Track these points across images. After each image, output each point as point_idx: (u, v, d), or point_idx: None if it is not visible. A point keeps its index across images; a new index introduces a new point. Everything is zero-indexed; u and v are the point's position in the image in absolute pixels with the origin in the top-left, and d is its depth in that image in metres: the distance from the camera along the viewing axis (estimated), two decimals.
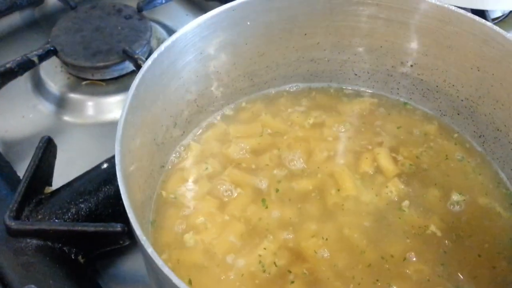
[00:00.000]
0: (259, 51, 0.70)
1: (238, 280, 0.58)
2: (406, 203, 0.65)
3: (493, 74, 0.63)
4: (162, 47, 0.56)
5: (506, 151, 0.66)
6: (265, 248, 0.60)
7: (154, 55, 0.55)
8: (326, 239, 0.61)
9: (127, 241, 0.63)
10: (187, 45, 0.60)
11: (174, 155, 0.68)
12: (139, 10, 0.97)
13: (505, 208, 0.64)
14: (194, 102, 0.68)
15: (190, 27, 0.59)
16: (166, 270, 0.39)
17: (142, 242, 0.40)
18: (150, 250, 0.40)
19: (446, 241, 0.61)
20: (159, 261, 0.39)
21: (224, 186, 0.66)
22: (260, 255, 0.60)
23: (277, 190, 0.66)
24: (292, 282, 0.58)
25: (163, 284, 0.42)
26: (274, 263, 0.59)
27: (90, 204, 0.69)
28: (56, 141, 0.83)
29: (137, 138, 0.54)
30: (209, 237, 0.61)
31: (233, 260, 0.60)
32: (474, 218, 0.64)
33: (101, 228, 0.64)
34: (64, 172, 0.74)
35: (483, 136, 0.69)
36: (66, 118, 0.90)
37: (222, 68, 0.68)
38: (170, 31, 1.01)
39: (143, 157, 0.57)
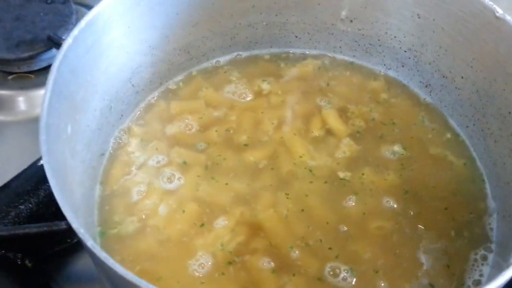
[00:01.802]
0: (192, 21, 0.66)
1: (197, 263, 0.55)
2: (360, 162, 0.63)
3: (433, 20, 0.62)
4: (83, 22, 0.51)
5: (454, 98, 0.65)
6: (222, 226, 0.58)
7: (75, 32, 0.50)
8: (284, 208, 0.59)
9: (75, 238, 0.59)
10: (110, 18, 0.55)
11: (113, 140, 0.64)
12: None
13: (456, 156, 0.64)
14: (128, 81, 0.63)
15: None
16: (110, 262, 0.35)
17: (81, 235, 0.36)
18: (90, 243, 0.36)
19: (403, 195, 0.61)
20: (101, 254, 0.36)
21: (171, 167, 0.62)
22: (217, 234, 0.57)
23: (228, 165, 0.63)
24: (254, 256, 0.55)
25: (112, 279, 0.38)
26: (233, 240, 0.57)
27: (30, 205, 0.65)
28: None
29: (66, 126, 0.49)
30: (162, 223, 0.58)
31: (189, 243, 0.57)
32: (428, 169, 0.63)
33: (45, 228, 0.59)
34: (1, 173, 0.69)
35: (430, 85, 0.68)
36: None
37: (154, 42, 0.64)
38: None
39: (77, 146, 0.52)
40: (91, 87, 0.55)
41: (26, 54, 0.83)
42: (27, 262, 0.62)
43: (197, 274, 0.54)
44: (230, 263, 0.55)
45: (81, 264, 0.65)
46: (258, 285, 0.54)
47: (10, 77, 0.85)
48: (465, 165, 0.64)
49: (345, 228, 0.58)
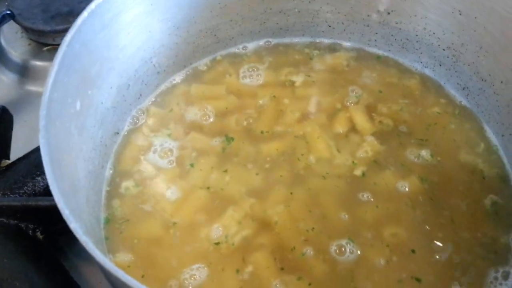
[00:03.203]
0: (220, 3, 0.64)
1: (200, 253, 0.53)
2: (383, 163, 0.60)
3: (475, 18, 0.57)
4: None
5: (491, 103, 0.61)
6: (229, 218, 0.56)
7: (92, 6, 0.49)
8: (295, 206, 0.56)
9: None
10: None
11: (130, 120, 0.63)
12: None
13: (489, 165, 0.59)
14: (149, 61, 0.62)
15: None
16: (89, 247, 0.34)
17: (65, 216, 0.35)
18: (72, 225, 0.35)
19: (425, 202, 0.57)
20: (83, 238, 0.34)
21: (186, 153, 0.61)
22: (223, 225, 0.55)
23: (243, 155, 0.61)
24: (257, 252, 0.53)
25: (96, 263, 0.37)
26: (239, 233, 0.55)
27: None
28: (19, 111, 0.78)
29: (75, 101, 0.48)
30: (169, 208, 0.57)
31: (195, 232, 0.55)
32: (455, 176, 0.59)
33: None
34: (28, 144, 0.70)
35: (467, 88, 0.63)
36: (29, 87, 0.85)
37: (178, 22, 0.62)
38: None
39: (87, 123, 0.51)
40: (107, 64, 0.54)
41: (61, 27, 0.83)
42: (38, 234, 0.63)
43: (198, 265, 0.52)
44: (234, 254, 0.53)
45: None
46: (260, 283, 0.52)
47: (45, 49, 0.86)
48: (497, 176, 0.59)
49: (359, 232, 0.55)
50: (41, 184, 0.65)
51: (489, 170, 0.59)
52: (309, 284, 0.51)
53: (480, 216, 0.56)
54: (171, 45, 0.64)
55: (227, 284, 0.51)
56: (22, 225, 0.62)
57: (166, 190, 0.58)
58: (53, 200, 0.59)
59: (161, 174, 0.59)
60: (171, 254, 0.54)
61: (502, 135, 0.60)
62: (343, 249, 0.53)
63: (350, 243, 0.53)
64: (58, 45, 0.84)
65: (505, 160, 0.60)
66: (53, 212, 0.60)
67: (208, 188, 0.58)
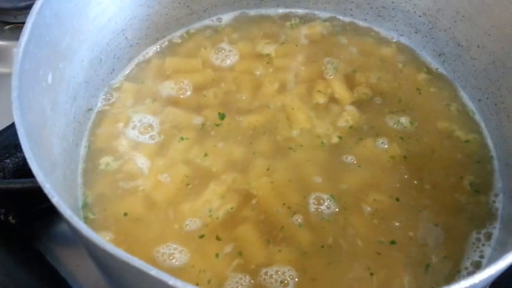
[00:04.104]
0: None
1: (182, 230, 0.52)
2: (363, 131, 0.60)
3: None
4: None
5: (468, 69, 0.61)
6: (212, 192, 0.54)
7: None
8: (278, 176, 0.56)
9: None
10: None
11: (103, 96, 0.60)
12: None
13: (465, 131, 0.60)
14: (122, 33, 0.60)
15: None
16: (75, 221, 0.32)
17: (46, 190, 0.33)
18: (55, 200, 0.33)
19: (405, 168, 0.57)
20: (66, 212, 0.33)
21: (163, 128, 0.59)
22: (206, 200, 0.54)
23: (223, 129, 0.60)
24: (242, 225, 0.52)
25: (80, 238, 0.35)
26: (222, 207, 0.53)
27: (17, 159, 0.63)
28: None
29: (47, 74, 0.46)
30: (149, 184, 0.55)
31: (176, 208, 0.54)
32: (434, 142, 0.59)
33: (29, 185, 0.57)
34: None
35: (443, 54, 0.64)
36: None
37: None
38: None
39: (59, 98, 0.49)
40: (78, 35, 0.52)
41: (23, 4, 0.80)
42: (10, 218, 0.60)
43: (181, 241, 0.51)
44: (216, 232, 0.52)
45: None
46: (247, 257, 0.51)
47: (6, 27, 0.83)
48: (474, 140, 0.60)
49: (341, 201, 0.54)
50: (11, 166, 0.63)
51: (466, 136, 0.60)
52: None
53: (460, 181, 0.56)
54: (143, 16, 0.61)
55: (212, 259, 0.50)
56: None
57: (144, 166, 0.56)
58: (24, 182, 0.57)
59: (138, 150, 0.58)
60: (152, 232, 0.52)
61: (479, 100, 0.60)
62: (326, 205, 0.53)
63: (331, 199, 0.54)
64: (21, 23, 0.82)
65: (482, 124, 0.60)
66: (26, 195, 0.58)
67: (188, 162, 0.57)
